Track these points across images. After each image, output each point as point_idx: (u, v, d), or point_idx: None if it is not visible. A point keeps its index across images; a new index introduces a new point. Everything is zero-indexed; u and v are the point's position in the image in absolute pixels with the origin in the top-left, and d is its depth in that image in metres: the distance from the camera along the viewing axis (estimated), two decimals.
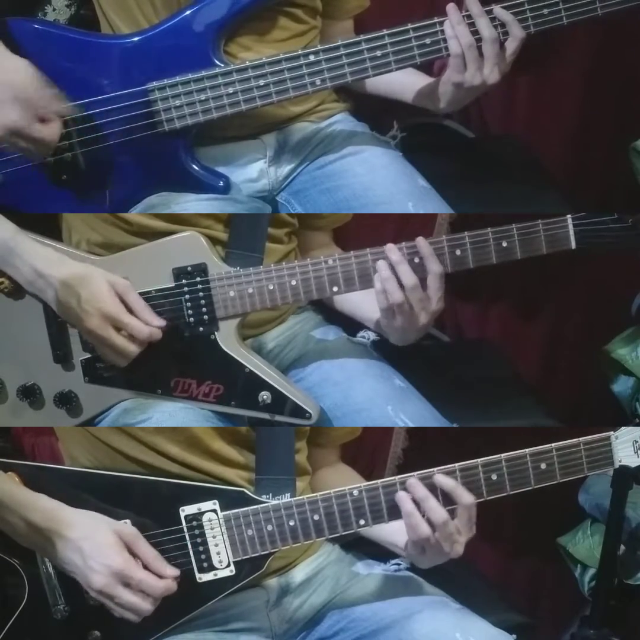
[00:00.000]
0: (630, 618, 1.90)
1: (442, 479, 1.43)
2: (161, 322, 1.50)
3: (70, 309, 1.47)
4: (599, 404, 2.13)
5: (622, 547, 1.89)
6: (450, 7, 1.55)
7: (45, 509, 1.40)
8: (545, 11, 1.56)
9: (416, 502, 1.43)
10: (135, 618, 1.41)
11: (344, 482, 1.46)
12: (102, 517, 1.42)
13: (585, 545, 2.04)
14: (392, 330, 1.56)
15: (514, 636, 1.51)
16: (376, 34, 1.56)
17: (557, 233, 1.52)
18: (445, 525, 1.42)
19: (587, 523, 2.06)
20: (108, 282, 1.47)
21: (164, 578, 1.41)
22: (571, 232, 1.52)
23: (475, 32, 1.56)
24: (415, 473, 1.45)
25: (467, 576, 1.98)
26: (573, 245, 1.52)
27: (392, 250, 1.50)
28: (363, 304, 1.66)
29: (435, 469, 1.44)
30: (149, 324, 1.48)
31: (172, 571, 1.42)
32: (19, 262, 1.49)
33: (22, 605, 1.47)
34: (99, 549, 1.38)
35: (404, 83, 1.70)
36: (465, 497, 1.43)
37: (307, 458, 1.62)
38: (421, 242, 1.50)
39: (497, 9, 1.55)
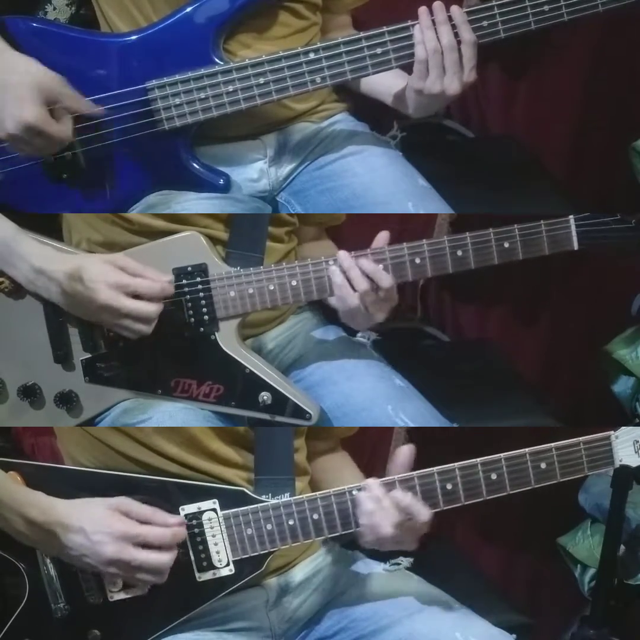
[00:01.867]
0: (630, 618, 1.90)
1: (399, 496, 1.44)
2: (168, 276, 1.49)
3: (78, 294, 1.47)
4: (599, 404, 2.13)
5: (623, 547, 1.89)
6: (422, 11, 1.55)
7: (42, 504, 1.41)
8: (546, 8, 1.55)
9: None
10: (159, 579, 1.41)
11: (343, 466, 1.45)
12: (91, 498, 1.43)
13: (585, 545, 2.04)
14: (352, 323, 1.59)
15: (514, 636, 1.51)
16: (376, 31, 1.56)
17: (559, 234, 1.52)
18: None
19: (587, 523, 2.06)
20: (105, 260, 1.48)
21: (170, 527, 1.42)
22: (574, 233, 1.51)
23: None
24: (415, 472, 1.45)
25: (467, 576, 1.99)
26: (575, 246, 1.52)
27: (344, 258, 1.51)
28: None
29: (435, 468, 1.45)
30: (158, 279, 1.48)
31: (176, 519, 1.43)
32: (19, 261, 1.49)
33: (22, 604, 1.47)
34: (99, 522, 1.40)
35: (384, 85, 1.70)
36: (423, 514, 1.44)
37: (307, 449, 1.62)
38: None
39: (453, 8, 1.55)
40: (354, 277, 1.50)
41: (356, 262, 1.51)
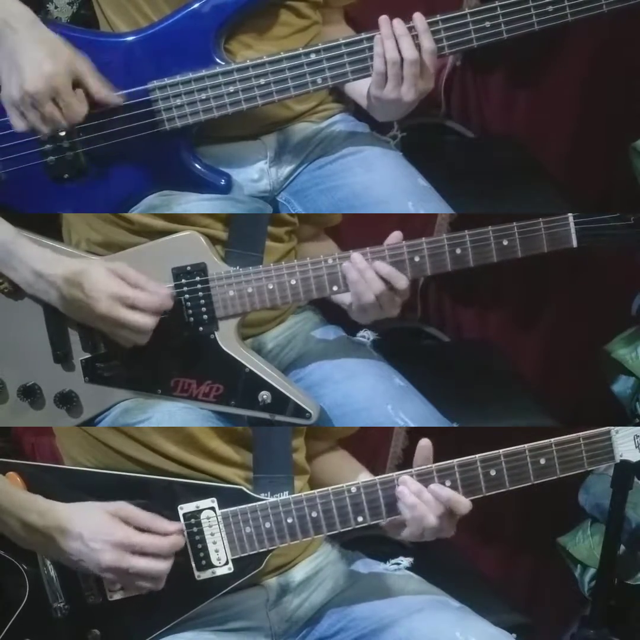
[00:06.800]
0: (630, 618, 1.90)
1: (437, 489, 1.44)
2: (168, 289, 1.50)
3: (77, 302, 1.47)
4: (599, 404, 2.13)
5: (622, 547, 1.89)
6: (382, 20, 1.55)
7: (41, 509, 1.41)
8: (550, 8, 1.54)
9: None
10: (155, 585, 1.42)
11: (342, 463, 1.46)
12: (91, 503, 1.43)
13: (585, 545, 2.04)
14: (363, 318, 1.58)
15: (514, 636, 1.51)
16: (377, 32, 1.55)
17: (558, 231, 1.52)
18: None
19: (587, 523, 2.06)
20: (106, 268, 1.48)
21: (168, 535, 1.42)
22: (572, 231, 1.52)
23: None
24: (413, 469, 1.45)
25: (467, 576, 1.99)
26: (574, 243, 1.52)
27: (358, 260, 1.51)
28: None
29: (433, 465, 1.45)
30: (157, 293, 1.49)
31: (175, 526, 1.43)
32: (19, 264, 1.49)
33: (22, 604, 1.47)
34: (97, 528, 1.40)
35: (356, 89, 1.70)
36: (463, 504, 1.44)
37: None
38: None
39: (416, 15, 1.54)
40: (369, 278, 1.50)
41: (371, 264, 1.51)
